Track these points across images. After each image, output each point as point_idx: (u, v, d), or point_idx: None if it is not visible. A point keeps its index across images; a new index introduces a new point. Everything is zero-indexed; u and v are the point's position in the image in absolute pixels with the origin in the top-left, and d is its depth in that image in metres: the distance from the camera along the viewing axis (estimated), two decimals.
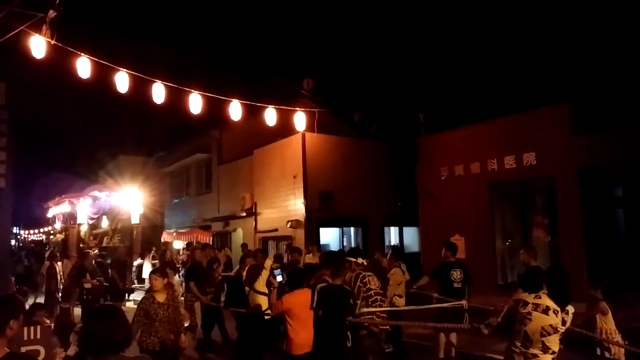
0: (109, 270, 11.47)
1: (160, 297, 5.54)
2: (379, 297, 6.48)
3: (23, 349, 2.63)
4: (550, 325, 3.57)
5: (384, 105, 16.99)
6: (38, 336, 3.01)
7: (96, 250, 16.16)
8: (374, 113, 16.55)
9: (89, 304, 9.72)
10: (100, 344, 2.38)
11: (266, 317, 7.22)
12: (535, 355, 3.61)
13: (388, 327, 6.80)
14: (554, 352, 3.68)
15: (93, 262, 10.82)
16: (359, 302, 6.14)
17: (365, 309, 6.25)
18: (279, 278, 7.00)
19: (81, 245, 15.29)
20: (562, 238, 10.44)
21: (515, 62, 16.02)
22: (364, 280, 6.41)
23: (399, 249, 13.78)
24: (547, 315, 3.59)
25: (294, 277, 5.56)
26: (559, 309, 3.61)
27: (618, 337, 5.31)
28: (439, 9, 22.23)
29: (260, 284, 7.35)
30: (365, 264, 6.93)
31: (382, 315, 6.56)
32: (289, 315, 5.24)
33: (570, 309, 3.70)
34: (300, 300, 5.28)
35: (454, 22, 19.31)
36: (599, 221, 10.67)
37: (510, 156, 11.54)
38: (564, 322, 3.63)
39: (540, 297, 3.67)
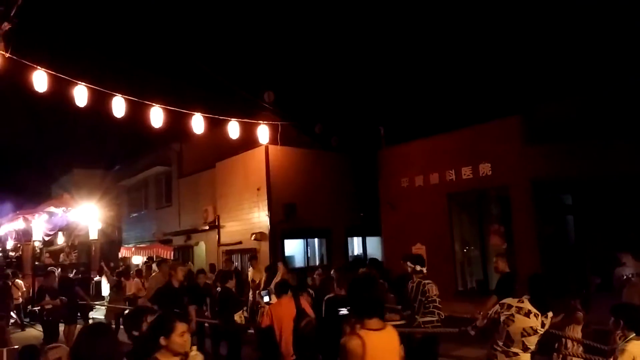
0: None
1: None
2: (435, 305, 6.25)
3: None
4: (531, 327, 3.90)
5: (345, 117, 17.26)
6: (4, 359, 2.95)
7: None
8: (335, 125, 16.77)
9: (50, 324, 9.46)
10: None
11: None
12: (516, 354, 3.94)
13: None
14: (532, 352, 4.03)
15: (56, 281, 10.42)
16: (421, 309, 6.14)
17: (421, 319, 6.15)
18: (266, 299, 7.06)
19: (37, 263, 14.73)
20: (517, 244, 10.90)
21: (472, 74, 16.65)
22: (424, 289, 6.20)
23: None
24: (529, 318, 3.91)
25: (280, 288, 6.33)
26: (539, 313, 3.94)
27: (580, 348, 5.45)
28: (397, 27, 22.88)
29: None
30: (424, 272, 6.64)
31: (437, 324, 6.32)
32: (276, 325, 5.78)
33: (550, 313, 4.04)
34: (284, 310, 5.84)
35: (411, 39, 19.92)
36: (551, 227, 11.21)
37: (467, 167, 11.99)
38: (543, 325, 3.95)
39: (523, 302, 4.01)
